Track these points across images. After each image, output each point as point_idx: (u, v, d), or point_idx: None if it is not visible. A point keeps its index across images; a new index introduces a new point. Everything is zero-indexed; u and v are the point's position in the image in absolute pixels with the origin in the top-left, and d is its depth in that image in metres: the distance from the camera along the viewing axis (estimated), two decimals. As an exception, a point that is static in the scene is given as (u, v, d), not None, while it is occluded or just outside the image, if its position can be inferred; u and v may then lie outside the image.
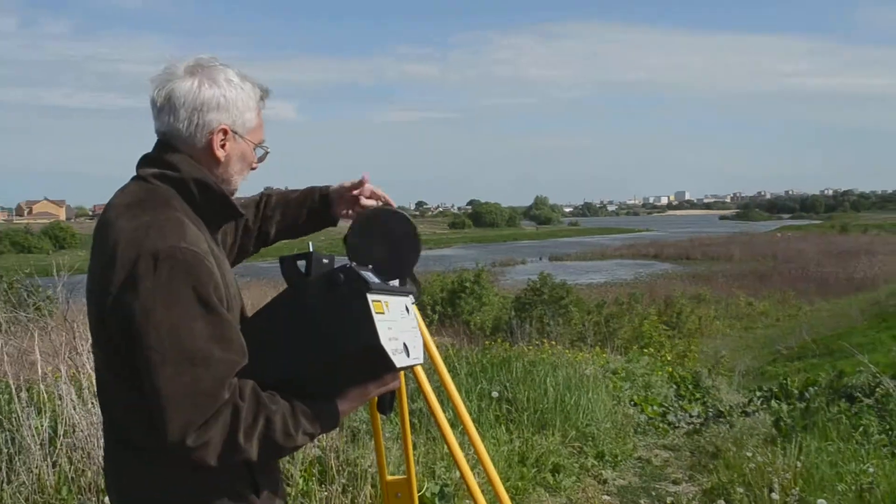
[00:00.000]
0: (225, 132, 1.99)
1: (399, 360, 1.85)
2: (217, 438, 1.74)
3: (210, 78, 1.98)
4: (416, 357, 1.97)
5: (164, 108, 1.96)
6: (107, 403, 1.99)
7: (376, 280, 1.94)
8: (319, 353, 1.84)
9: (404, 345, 1.90)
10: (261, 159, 2.13)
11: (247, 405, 1.78)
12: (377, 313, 1.83)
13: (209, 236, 1.98)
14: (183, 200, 1.95)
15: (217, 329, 1.79)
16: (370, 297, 1.83)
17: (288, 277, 1.97)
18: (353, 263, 1.97)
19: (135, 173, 2.00)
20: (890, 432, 6.25)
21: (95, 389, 2.07)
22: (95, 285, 1.86)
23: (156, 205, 1.89)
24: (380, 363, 1.83)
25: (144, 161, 2.00)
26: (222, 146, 2.00)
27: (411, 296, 2.14)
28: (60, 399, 4.64)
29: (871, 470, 5.16)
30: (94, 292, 1.86)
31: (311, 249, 1.96)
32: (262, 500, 1.96)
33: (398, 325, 1.92)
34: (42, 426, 4.48)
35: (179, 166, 1.95)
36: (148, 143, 2.04)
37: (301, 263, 1.95)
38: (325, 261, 1.94)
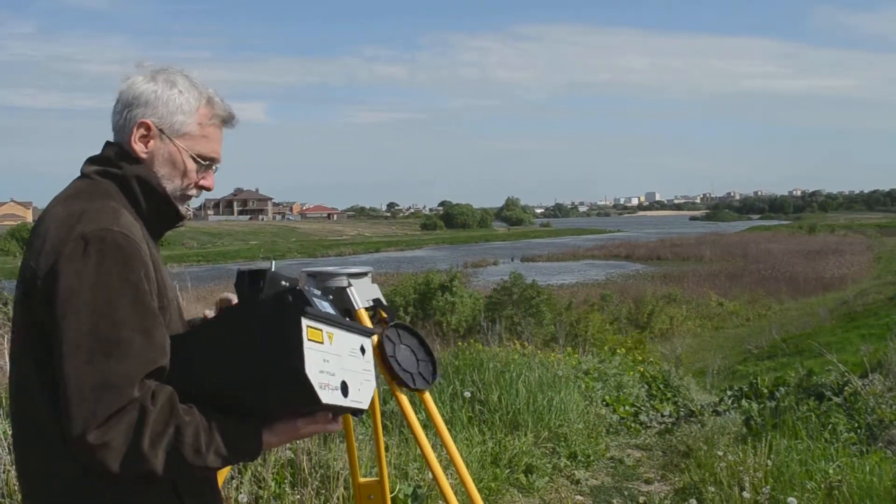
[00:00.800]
0: (148, 127, 1.94)
1: (327, 396, 1.69)
2: (120, 440, 1.62)
3: (152, 78, 1.97)
4: (357, 400, 1.81)
5: (114, 106, 1.98)
6: (24, 404, 1.83)
7: (331, 311, 1.86)
8: (249, 374, 1.71)
9: (342, 383, 1.75)
10: (202, 173, 2.04)
11: (157, 410, 1.65)
12: (311, 340, 1.70)
13: (151, 242, 1.93)
14: (124, 198, 1.91)
15: (143, 320, 1.71)
16: (305, 321, 1.70)
17: (239, 292, 1.89)
18: (309, 288, 1.86)
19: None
20: (858, 430, 6.30)
21: (9, 392, 1.89)
22: (25, 273, 1.79)
23: (93, 196, 1.85)
24: (304, 394, 1.67)
25: (89, 160, 1.97)
26: (143, 142, 1.94)
27: (372, 337, 2.00)
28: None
29: (839, 468, 5.20)
30: (24, 279, 1.79)
31: (272, 268, 1.87)
32: None
33: (341, 361, 1.78)
34: (9, 429, 4.43)
35: (122, 164, 1.92)
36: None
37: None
38: (284, 283, 1.84)
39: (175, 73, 1.99)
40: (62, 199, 1.86)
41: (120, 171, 1.91)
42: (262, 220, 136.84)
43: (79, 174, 1.95)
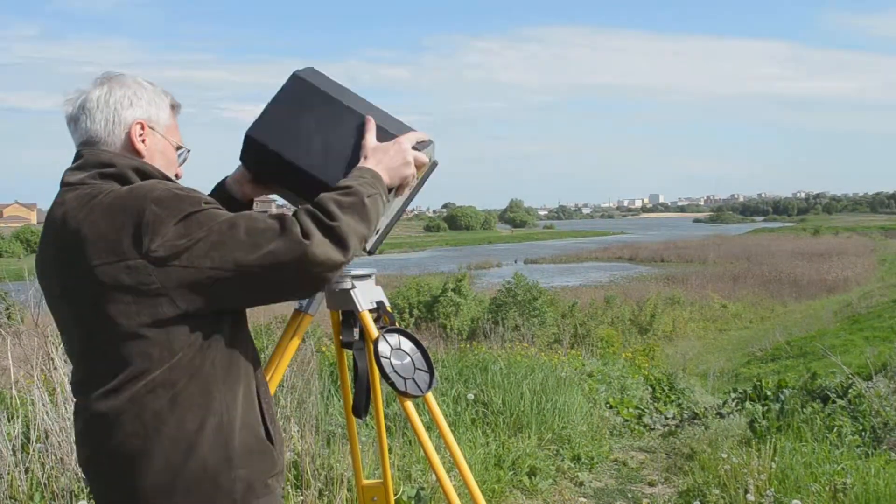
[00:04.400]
0: (142, 126, 1.99)
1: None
2: (316, 233, 1.81)
3: (119, 83, 2.00)
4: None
5: (80, 117, 1.97)
6: (144, 361, 1.79)
7: None
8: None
9: None
10: (181, 162, 2.13)
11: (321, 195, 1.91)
12: None
13: None
14: None
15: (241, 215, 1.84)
16: None
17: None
18: None
19: (61, 187, 1.93)
20: (863, 433, 6.29)
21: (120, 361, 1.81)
22: (80, 272, 1.79)
23: (112, 187, 1.86)
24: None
25: (71, 171, 1.94)
26: (142, 140, 1.99)
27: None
28: (33, 405, 4.58)
29: (844, 470, 5.19)
30: (93, 272, 1.77)
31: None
32: (277, 449, 1.98)
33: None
34: (14, 432, 4.43)
35: (114, 161, 1.91)
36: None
37: None
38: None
39: (127, 76, 2.04)
40: (81, 205, 1.83)
41: (115, 169, 1.90)
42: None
43: (63, 187, 1.92)
